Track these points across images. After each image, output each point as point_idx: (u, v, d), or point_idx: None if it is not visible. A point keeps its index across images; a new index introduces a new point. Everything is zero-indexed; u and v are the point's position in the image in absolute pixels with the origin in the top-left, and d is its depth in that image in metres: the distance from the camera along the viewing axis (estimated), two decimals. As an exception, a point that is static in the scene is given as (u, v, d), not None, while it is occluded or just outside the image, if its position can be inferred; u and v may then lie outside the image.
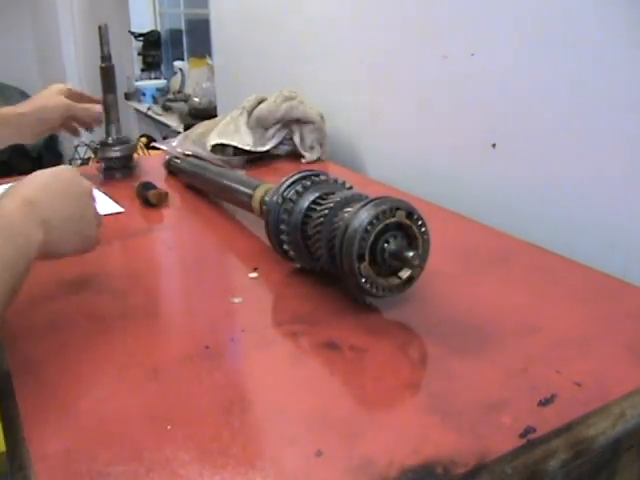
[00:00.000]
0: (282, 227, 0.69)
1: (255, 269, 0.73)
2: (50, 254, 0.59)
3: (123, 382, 0.52)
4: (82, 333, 0.60)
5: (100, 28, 1.04)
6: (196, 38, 3.37)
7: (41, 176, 0.61)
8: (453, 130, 1.04)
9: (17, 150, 4.16)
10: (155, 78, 3.48)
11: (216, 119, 1.34)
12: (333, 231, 0.63)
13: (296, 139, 1.20)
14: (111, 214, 0.92)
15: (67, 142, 4.64)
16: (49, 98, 1.06)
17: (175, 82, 3.18)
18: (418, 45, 1.08)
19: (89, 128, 1.14)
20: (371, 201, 0.60)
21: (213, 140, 1.17)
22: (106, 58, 1.08)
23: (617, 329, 0.60)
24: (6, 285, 0.50)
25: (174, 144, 1.24)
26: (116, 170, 1.11)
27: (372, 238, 0.59)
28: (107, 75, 1.11)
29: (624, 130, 0.78)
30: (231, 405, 0.48)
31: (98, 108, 1.11)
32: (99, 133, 1.19)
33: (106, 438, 0.45)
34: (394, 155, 1.19)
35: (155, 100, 3.26)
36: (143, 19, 3.59)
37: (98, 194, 0.99)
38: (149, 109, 3.18)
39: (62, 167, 0.65)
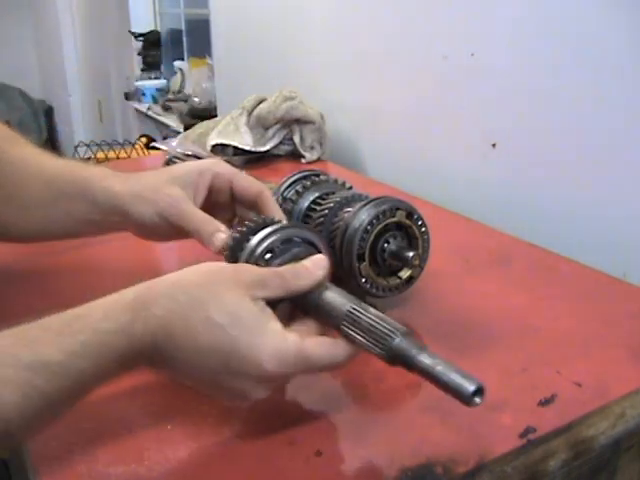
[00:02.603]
0: (282, 227, 0.69)
1: (255, 269, 0.73)
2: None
3: (123, 382, 0.52)
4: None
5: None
6: (196, 38, 3.37)
7: (183, 295, 0.42)
8: (453, 130, 1.04)
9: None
10: (155, 78, 3.48)
11: (216, 119, 1.34)
12: (333, 231, 0.63)
13: (296, 139, 1.20)
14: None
15: (67, 141, 4.65)
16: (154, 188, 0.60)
17: (175, 82, 3.18)
18: (418, 45, 1.08)
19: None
20: (371, 201, 0.60)
21: (213, 140, 1.17)
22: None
23: (617, 329, 0.60)
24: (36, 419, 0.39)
25: (174, 144, 1.24)
26: None
27: (372, 238, 0.59)
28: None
29: (624, 130, 0.78)
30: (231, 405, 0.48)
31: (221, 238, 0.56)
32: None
33: (106, 438, 0.45)
34: (394, 155, 1.19)
35: (155, 100, 3.26)
36: (143, 19, 3.59)
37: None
38: (149, 109, 3.18)
39: (228, 284, 0.42)
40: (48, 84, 5.07)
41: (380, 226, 0.59)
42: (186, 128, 2.14)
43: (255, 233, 0.50)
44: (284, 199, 0.69)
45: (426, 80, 1.08)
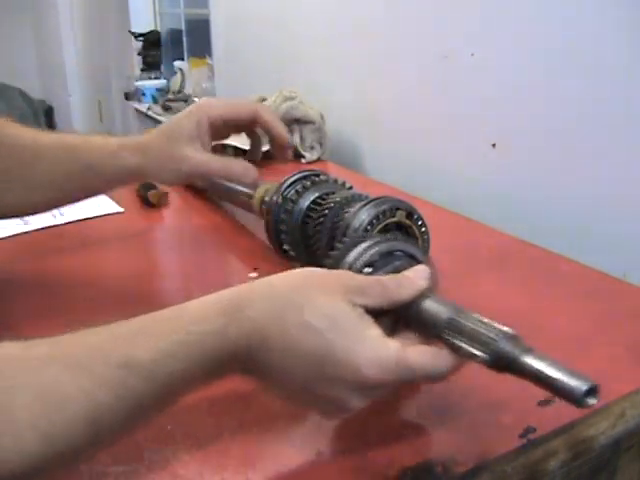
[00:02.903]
0: (282, 227, 0.69)
1: (255, 269, 0.73)
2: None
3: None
4: (82, 333, 0.60)
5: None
6: (196, 38, 3.37)
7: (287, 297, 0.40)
8: (453, 130, 1.04)
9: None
10: (155, 78, 3.47)
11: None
12: (333, 231, 0.63)
13: (296, 139, 1.20)
14: (111, 214, 0.92)
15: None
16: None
17: (175, 82, 3.18)
18: (418, 45, 1.08)
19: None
20: (371, 201, 0.60)
21: (213, 140, 1.17)
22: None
23: (617, 329, 0.60)
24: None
25: (174, 144, 1.23)
26: None
27: (372, 238, 0.59)
28: None
29: (624, 130, 0.77)
30: (231, 405, 0.48)
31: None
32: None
33: (106, 438, 0.45)
34: (394, 155, 1.19)
35: (155, 100, 3.26)
36: (143, 19, 3.59)
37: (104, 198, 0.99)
38: (149, 109, 3.18)
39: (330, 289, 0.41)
40: (48, 84, 5.07)
41: (380, 226, 0.59)
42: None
43: (354, 247, 0.49)
44: (284, 199, 0.69)
45: (426, 80, 1.08)
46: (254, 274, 0.73)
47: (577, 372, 0.36)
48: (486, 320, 0.40)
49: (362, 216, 0.59)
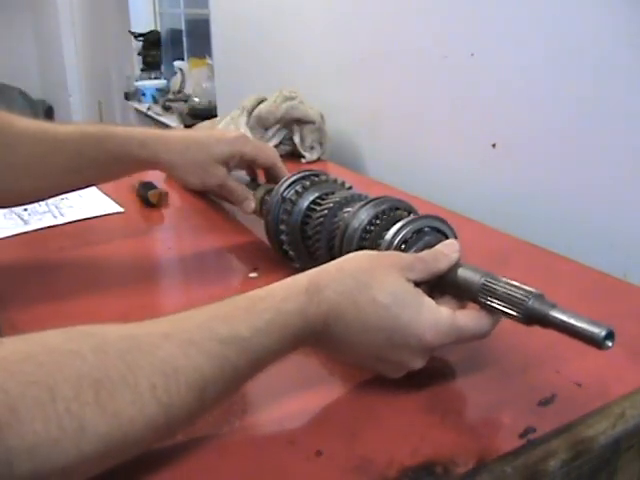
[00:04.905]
0: (282, 227, 0.69)
1: (255, 269, 0.73)
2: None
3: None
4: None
5: None
6: (196, 38, 3.37)
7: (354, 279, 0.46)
8: (453, 130, 1.04)
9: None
10: (155, 78, 3.48)
11: (216, 119, 1.34)
12: (333, 231, 0.63)
13: (296, 139, 1.20)
14: (111, 214, 0.92)
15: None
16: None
17: (175, 82, 3.18)
18: (418, 45, 1.08)
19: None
20: (371, 201, 0.60)
21: (213, 140, 1.16)
22: None
23: (617, 329, 0.60)
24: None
25: (174, 144, 1.23)
26: None
27: (372, 238, 0.59)
28: None
29: (624, 129, 0.77)
30: (231, 404, 0.48)
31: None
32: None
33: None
34: (394, 155, 1.19)
35: (155, 100, 3.26)
36: (143, 19, 3.59)
37: (98, 194, 0.99)
38: (149, 109, 3.19)
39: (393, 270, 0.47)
40: (48, 84, 5.07)
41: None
42: (186, 128, 2.14)
43: (389, 227, 0.55)
44: (284, 199, 0.69)
45: (426, 80, 1.08)
46: (254, 274, 0.73)
47: (596, 321, 0.43)
48: (514, 282, 0.46)
49: (362, 216, 0.59)
